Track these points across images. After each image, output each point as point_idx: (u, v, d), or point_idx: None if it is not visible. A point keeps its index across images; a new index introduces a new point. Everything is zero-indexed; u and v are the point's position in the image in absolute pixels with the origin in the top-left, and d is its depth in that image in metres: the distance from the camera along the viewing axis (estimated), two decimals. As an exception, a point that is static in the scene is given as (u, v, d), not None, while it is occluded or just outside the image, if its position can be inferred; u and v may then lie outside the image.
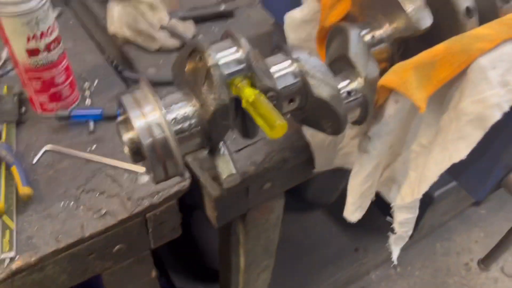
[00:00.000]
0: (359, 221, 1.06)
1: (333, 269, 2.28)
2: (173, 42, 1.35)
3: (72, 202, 1.04)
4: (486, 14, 0.82)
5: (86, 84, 1.28)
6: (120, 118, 0.75)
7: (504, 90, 0.71)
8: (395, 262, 1.03)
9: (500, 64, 0.72)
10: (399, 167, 1.01)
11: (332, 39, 0.86)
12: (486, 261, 1.21)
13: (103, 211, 1.03)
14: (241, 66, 0.70)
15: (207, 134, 0.71)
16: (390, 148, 0.92)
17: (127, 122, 0.71)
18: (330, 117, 0.77)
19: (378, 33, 0.83)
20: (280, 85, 0.74)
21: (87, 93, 1.26)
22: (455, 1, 0.78)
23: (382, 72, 0.80)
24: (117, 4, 1.39)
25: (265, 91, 0.70)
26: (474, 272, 2.61)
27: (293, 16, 0.99)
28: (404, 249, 1.04)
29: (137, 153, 0.70)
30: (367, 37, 0.82)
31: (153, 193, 1.06)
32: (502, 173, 0.88)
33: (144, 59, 1.34)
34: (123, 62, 1.38)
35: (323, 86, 0.74)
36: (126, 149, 0.74)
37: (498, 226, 2.75)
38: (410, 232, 0.99)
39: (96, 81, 1.30)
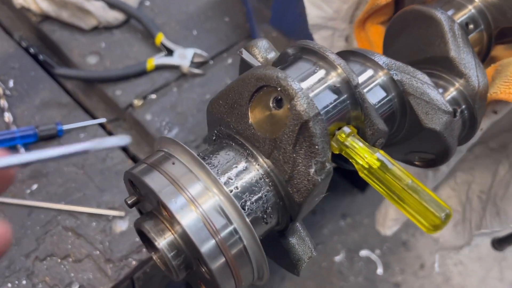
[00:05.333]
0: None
1: (293, 237, 2.15)
2: (114, 16, 0.98)
3: (24, 280, 0.71)
4: None
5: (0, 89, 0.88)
6: (130, 200, 0.45)
7: None
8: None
9: None
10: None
11: (400, 28, 0.60)
12: (501, 243, 1.12)
13: (75, 287, 0.72)
14: (341, 99, 0.43)
15: (287, 212, 0.45)
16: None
17: (153, 215, 0.42)
18: (433, 149, 0.55)
19: (470, 15, 0.59)
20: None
21: (3, 102, 0.87)
22: None
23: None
24: (20, -37, 0.96)
25: (376, 139, 0.45)
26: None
27: (318, -13, 0.71)
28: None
29: (181, 266, 0.42)
30: (458, 22, 0.58)
31: (139, 245, 0.77)
32: None
33: (77, 42, 0.96)
34: (45, 48, 0.99)
35: (433, 112, 0.50)
36: (157, 258, 0.45)
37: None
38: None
39: (11, 82, 0.91)
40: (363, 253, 2.58)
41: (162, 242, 0.40)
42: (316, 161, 0.40)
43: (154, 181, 0.40)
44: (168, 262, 0.41)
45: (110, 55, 0.96)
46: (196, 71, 0.95)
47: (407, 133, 0.53)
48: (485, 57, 0.62)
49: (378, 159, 0.40)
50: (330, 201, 2.42)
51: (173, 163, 0.40)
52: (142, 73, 0.93)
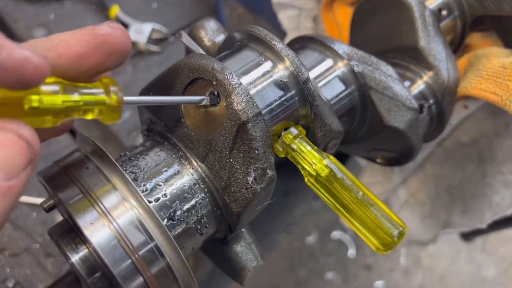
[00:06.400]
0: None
1: (265, 218, 2.12)
2: (65, -15, 0.90)
3: (-48, 277, 0.65)
4: None
5: None
6: (46, 204, 0.39)
7: None
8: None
9: None
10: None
11: (368, 12, 0.55)
12: (469, 236, 1.11)
13: (10, 284, 0.66)
14: (288, 95, 0.38)
15: (226, 222, 0.39)
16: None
17: (68, 225, 0.36)
18: (396, 148, 0.50)
19: (444, 1, 0.54)
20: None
21: None
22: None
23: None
24: None
25: (328, 141, 0.40)
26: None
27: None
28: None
29: (98, 284, 0.36)
30: (431, 8, 0.53)
31: (84, 238, 0.71)
32: None
33: (23, 13, 0.88)
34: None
35: (397, 108, 0.45)
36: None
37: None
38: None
39: None
40: (335, 234, 2.57)
41: (75, 257, 0.35)
42: (256, 167, 0.34)
43: (63, 189, 0.34)
44: (82, 279, 0.35)
45: (60, 28, 0.87)
46: (154, 48, 0.87)
47: (368, 131, 0.48)
48: (458, 47, 0.57)
49: (327, 166, 0.35)
50: (303, 181, 2.38)
51: (87, 168, 0.34)
52: (94, 49, 0.85)
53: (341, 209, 0.35)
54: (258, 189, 0.35)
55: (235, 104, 0.33)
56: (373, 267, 2.46)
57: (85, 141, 0.36)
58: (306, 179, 0.36)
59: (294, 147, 0.36)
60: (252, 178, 0.34)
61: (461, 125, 0.68)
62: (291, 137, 0.36)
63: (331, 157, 0.36)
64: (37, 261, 0.68)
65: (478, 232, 1.07)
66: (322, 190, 0.35)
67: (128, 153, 0.39)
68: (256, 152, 0.34)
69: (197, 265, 1.23)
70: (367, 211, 0.33)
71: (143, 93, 0.38)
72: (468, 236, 1.11)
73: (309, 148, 0.35)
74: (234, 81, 0.33)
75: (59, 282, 0.69)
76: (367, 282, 2.40)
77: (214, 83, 0.33)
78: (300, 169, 0.37)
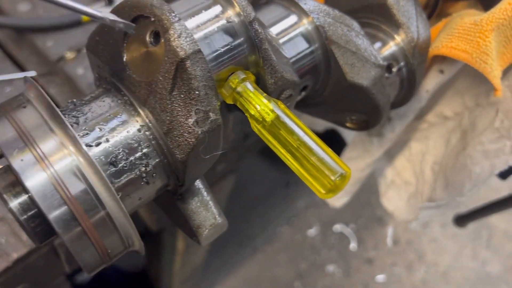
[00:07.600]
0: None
1: (265, 209, 2.11)
2: (51, -40, 0.89)
3: None
4: None
5: None
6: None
7: None
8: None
9: None
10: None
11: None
12: (462, 220, 1.09)
13: (-16, 251, 0.66)
14: (236, 41, 0.36)
15: (174, 173, 0.38)
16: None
17: (8, 169, 0.36)
18: (362, 109, 0.48)
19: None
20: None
21: None
22: None
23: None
24: None
25: (281, 90, 0.38)
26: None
27: None
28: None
29: (37, 230, 0.35)
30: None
31: (61, 209, 0.70)
32: None
33: (8, -13, 0.88)
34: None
35: (360, 64, 0.44)
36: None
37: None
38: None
39: None
40: (337, 227, 2.55)
41: (13, 203, 0.34)
42: (198, 109, 0.33)
43: (1, 132, 0.33)
44: (21, 226, 0.35)
45: (44, 2, 0.87)
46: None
47: (332, 91, 0.47)
48: (433, 10, 0.56)
49: (273, 111, 0.34)
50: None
51: (26, 110, 0.33)
52: (78, 23, 0.84)
53: (288, 156, 0.33)
54: (200, 132, 0.33)
55: (172, 40, 0.32)
56: (375, 261, 2.43)
57: (29, 85, 0.36)
58: (252, 126, 0.35)
59: (240, 90, 0.35)
60: (193, 120, 0.33)
61: (443, 98, 0.66)
62: (237, 80, 0.35)
63: (280, 102, 0.35)
64: (12, 230, 0.68)
65: (471, 216, 1.04)
66: (269, 137, 0.34)
67: (75, 100, 0.38)
68: (197, 92, 0.33)
69: (189, 249, 1.22)
70: (310, 154, 0.32)
71: (90, 39, 0.38)
72: (461, 221, 1.08)
73: (247, 85, 0.34)
74: (172, 16, 0.32)
75: (34, 252, 0.69)
76: (368, 275, 2.37)
77: (153, 19, 0.32)
78: (248, 117, 0.35)
